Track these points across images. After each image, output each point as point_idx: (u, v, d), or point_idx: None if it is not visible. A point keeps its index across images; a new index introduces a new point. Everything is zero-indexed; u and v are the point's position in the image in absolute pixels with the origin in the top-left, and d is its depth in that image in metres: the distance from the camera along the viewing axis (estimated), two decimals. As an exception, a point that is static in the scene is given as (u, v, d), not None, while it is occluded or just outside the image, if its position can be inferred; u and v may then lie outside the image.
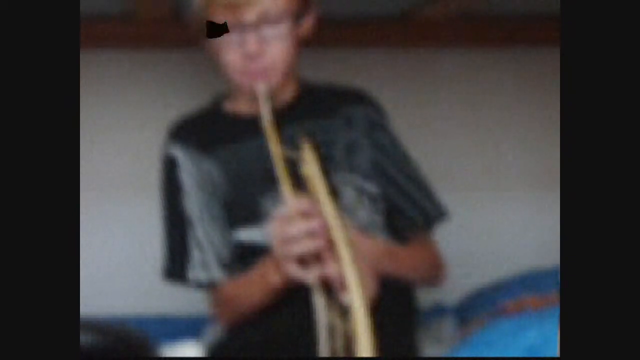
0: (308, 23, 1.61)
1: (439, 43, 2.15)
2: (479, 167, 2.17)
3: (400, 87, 2.05)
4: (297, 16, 1.56)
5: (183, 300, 1.90)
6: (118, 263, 2.11)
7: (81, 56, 2.08)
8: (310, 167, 1.45)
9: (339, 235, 1.36)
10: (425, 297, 1.83)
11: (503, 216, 2.16)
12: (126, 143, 2.12)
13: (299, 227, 1.39)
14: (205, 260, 1.60)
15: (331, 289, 1.37)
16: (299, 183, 1.46)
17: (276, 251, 1.44)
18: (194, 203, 1.62)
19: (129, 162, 2.11)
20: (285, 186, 1.46)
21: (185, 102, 2.06)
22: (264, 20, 1.52)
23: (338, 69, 2.05)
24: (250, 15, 1.51)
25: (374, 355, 1.25)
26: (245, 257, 1.57)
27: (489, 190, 2.16)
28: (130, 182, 2.12)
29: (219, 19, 1.53)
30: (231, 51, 1.54)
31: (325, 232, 1.38)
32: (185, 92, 2.12)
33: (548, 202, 2.03)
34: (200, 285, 1.63)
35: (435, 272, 1.68)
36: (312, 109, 1.65)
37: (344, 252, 1.34)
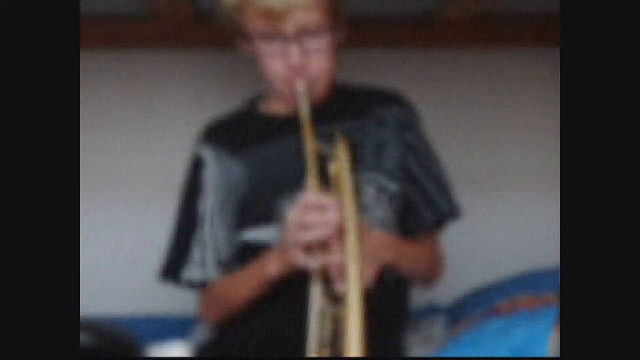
0: (341, 34, 1.61)
1: (462, 43, 2.14)
2: (481, 168, 2.17)
3: (415, 87, 2.03)
4: (333, 29, 1.56)
5: (171, 300, 1.90)
6: (108, 263, 2.10)
7: (104, 56, 2.08)
8: (340, 163, 1.47)
9: (350, 228, 1.38)
10: (419, 297, 1.84)
11: (502, 216, 2.17)
12: (128, 144, 2.12)
13: (315, 215, 1.40)
14: (204, 259, 1.61)
15: (328, 278, 1.39)
16: (325, 180, 1.47)
17: (288, 236, 1.45)
18: (209, 204, 1.63)
19: (128, 163, 2.11)
20: (311, 179, 1.46)
21: (206, 102, 2.08)
22: (304, 32, 1.51)
23: (358, 69, 2.05)
24: (289, 26, 1.51)
25: (361, 347, 1.25)
26: (247, 256, 1.57)
27: (489, 190, 2.16)
28: (128, 183, 2.12)
29: (256, 26, 1.53)
30: (274, 60, 1.54)
31: (338, 224, 1.39)
32: (206, 92, 2.13)
33: (548, 202, 2.04)
34: (192, 286, 1.64)
35: (433, 271, 1.69)
36: (345, 109, 1.65)
37: (352, 244, 1.35)
